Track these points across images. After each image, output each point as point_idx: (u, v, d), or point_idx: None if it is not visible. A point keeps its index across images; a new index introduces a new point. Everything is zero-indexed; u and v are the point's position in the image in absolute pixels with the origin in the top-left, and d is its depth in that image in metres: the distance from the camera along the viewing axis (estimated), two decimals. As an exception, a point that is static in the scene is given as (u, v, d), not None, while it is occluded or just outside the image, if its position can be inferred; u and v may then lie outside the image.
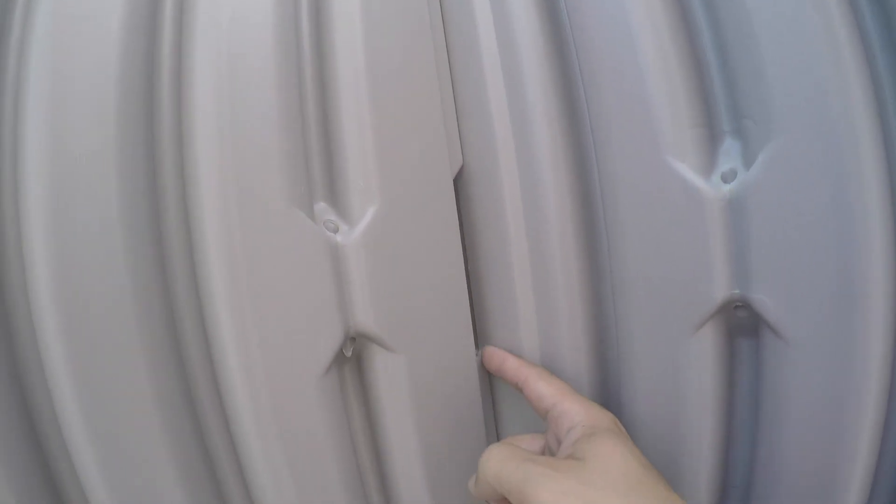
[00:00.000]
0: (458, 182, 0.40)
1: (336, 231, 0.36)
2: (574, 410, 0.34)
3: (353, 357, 0.37)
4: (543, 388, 0.36)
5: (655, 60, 0.34)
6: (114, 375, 0.34)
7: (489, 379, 0.41)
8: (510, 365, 0.38)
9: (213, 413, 0.36)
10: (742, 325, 0.35)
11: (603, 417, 0.34)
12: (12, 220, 0.34)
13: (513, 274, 0.38)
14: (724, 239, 0.34)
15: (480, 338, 0.40)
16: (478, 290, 0.40)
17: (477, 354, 0.40)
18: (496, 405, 0.42)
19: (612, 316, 0.38)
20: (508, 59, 0.38)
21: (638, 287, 0.36)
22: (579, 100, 0.37)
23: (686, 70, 0.34)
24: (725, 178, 0.34)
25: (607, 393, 0.39)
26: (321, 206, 0.36)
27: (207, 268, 0.33)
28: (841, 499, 0.33)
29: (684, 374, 0.36)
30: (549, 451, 0.36)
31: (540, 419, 0.36)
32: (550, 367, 0.39)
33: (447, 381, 0.39)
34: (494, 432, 0.42)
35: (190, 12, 0.34)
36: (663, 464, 0.37)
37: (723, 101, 0.34)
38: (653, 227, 0.35)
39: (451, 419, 0.39)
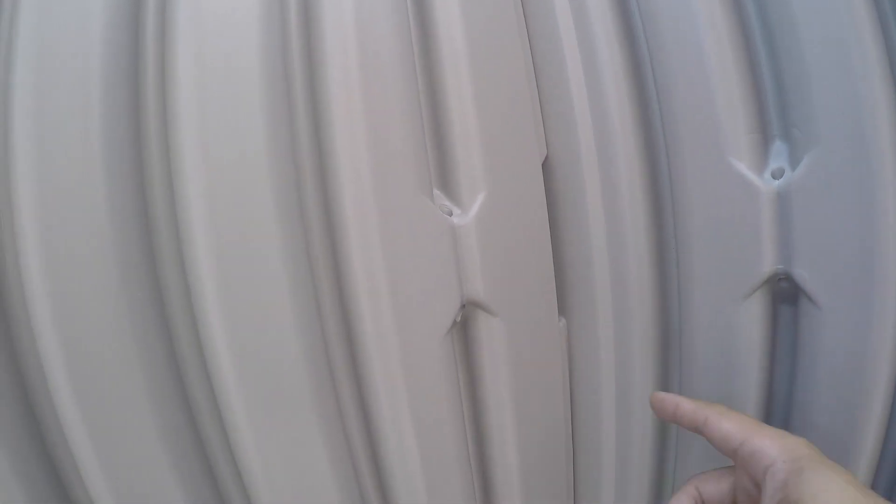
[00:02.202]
0: (543, 171, 0.46)
1: (451, 214, 0.42)
2: (767, 446, 0.33)
3: (459, 322, 0.44)
4: (728, 426, 0.35)
5: (720, 76, 0.42)
6: (268, 338, 0.39)
7: (567, 345, 0.49)
8: (686, 408, 0.37)
9: (347, 369, 0.42)
10: (784, 294, 0.43)
11: (799, 446, 0.33)
12: (171, 220, 0.39)
13: (591, 250, 0.46)
14: (771, 225, 0.42)
15: (560, 308, 0.47)
16: (560, 265, 0.47)
17: (559, 321, 0.47)
18: (572, 370, 0.49)
19: (675, 287, 0.45)
20: (589, 65, 0.45)
21: (700, 261, 0.44)
22: (652, 106, 0.44)
23: (745, 85, 0.42)
24: (774, 175, 0.42)
25: (668, 349, 0.47)
26: (436, 193, 0.43)
27: (348, 247, 0.39)
28: (863, 432, 0.41)
29: (737, 333, 0.43)
30: (742, 492, 0.36)
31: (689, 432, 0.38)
32: (621, 335, 0.46)
33: (535, 341, 0.46)
34: (569, 389, 0.49)
35: (314, 14, 0.39)
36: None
37: (774, 111, 0.42)
38: (714, 214, 0.43)
39: (537, 375, 0.46)
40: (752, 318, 0.43)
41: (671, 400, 0.39)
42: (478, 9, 0.43)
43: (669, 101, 0.43)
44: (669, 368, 0.48)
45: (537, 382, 0.46)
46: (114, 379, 0.39)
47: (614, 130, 0.45)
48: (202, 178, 0.37)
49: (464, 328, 0.45)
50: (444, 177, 0.43)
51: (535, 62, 0.46)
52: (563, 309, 0.48)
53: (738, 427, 0.35)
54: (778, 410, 0.46)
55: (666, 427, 0.49)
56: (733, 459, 0.35)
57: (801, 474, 0.31)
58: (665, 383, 0.48)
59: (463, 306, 0.43)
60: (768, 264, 0.42)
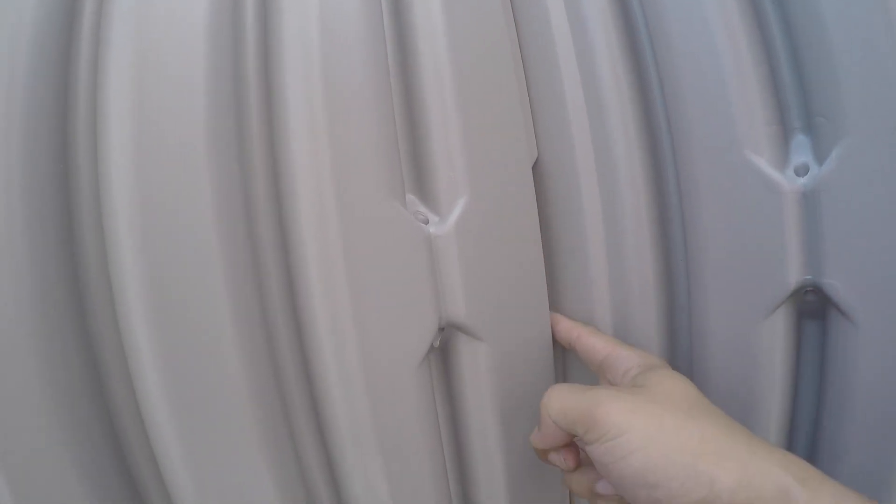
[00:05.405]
0: (534, 174, 0.40)
1: (426, 223, 0.36)
2: (627, 355, 0.36)
3: (437, 347, 0.38)
4: (596, 341, 0.38)
5: (732, 61, 0.36)
6: (205, 365, 0.33)
7: (563, 367, 0.43)
8: (563, 326, 0.40)
9: (305, 406, 0.36)
10: (809, 308, 0.37)
11: (657, 360, 0.36)
12: (95, 219, 0.33)
13: (588, 264, 0.40)
14: (798, 229, 0.36)
15: (554, 327, 0.42)
16: (553, 279, 0.41)
17: (553, 343, 0.41)
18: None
19: (685, 303, 0.40)
20: (583, 55, 0.39)
21: (714, 275, 0.38)
22: (653, 95, 0.39)
23: (761, 71, 0.36)
24: (798, 172, 0.36)
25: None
26: (410, 199, 0.37)
27: (303, 260, 0.33)
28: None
29: (756, 355, 0.38)
30: None
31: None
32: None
33: (526, 368, 0.40)
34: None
35: (275, 13, 0.34)
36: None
37: (794, 99, 0.37)
38: (731, 217, 0.37)
39: (528, 406, 0.40)
40: (774, 339, 0.38)
41: (552, 317, 0.41)
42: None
43: (675, 91, 0.38)
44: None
45: (527, 416, 0.40)
46: (27, 408, 0.33)
47: (613, 127, 0.39)
48: (133, 172, 0.32)
49: (443, 354, 0.38)
50: (418, 179, 0.37)
51: (524, 52, 0.41)
52: (558, 330, 0.42)
53: (605, 342, 0.38)
54: (801, 440, 0.40)
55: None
56: (599, 371, 0.38)
57: (651, 370, 0.34)
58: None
59: (442, 329, 0.37)
60: (795, 275, 0.36)
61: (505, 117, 0.39)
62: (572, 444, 0.34)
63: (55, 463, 0.34)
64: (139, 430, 0.35)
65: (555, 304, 0.42)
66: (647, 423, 0.29)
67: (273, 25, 0.34)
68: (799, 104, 0.37)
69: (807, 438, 0.39)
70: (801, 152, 0.37)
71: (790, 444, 0.40)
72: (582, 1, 0.39)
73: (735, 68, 0.36)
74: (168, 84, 0.32)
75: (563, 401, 0.31)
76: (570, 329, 0.40)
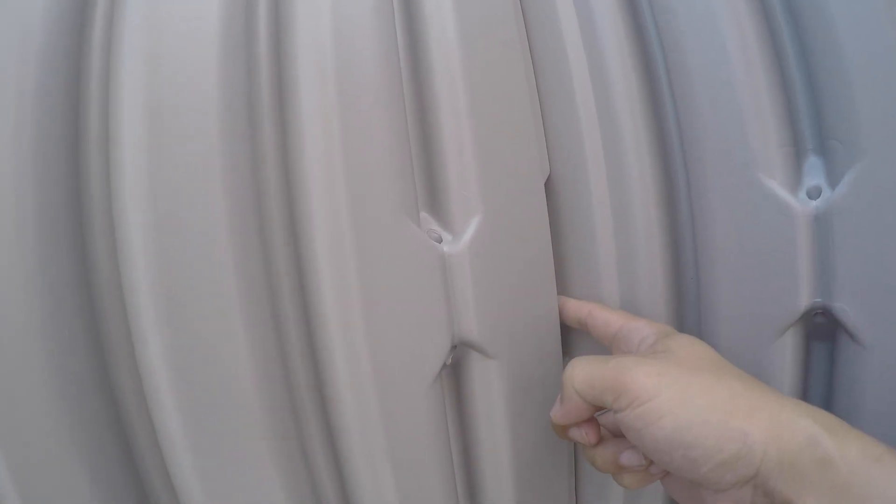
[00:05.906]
0: (545, 190, 0.41)
1: (440, 241, 0.36)
2: (643, 325, 0.36)
3: (450, 364, 0.38)
4: (609, 314, 0.38)
5: (746, 83, 0.36)
6: (218, 383, 0.33)
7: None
8: (571, 305, 0.40)
9: (318, 423, 0.36)
10: (818, 330, 0.38)
11: (670, 328, 0.36)
12: (107, 226, 0.33)
13: (600, 281, 0.40)
14: (809, 251, 0.36)
15: (565, 346, 0.42)
16: (564, 295, 0.41)
17: (564, 361, 0.41)
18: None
19: (695, 323, 0.40)
20: (596, 71, 0.39)
21: (725, 296, 0.38)
22: (667, 117, 0.39)
23: (774, 93, 0.37)
24: (810, 195, 0.36)
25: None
26: (423, 216, 0.37)
27: (317, 279, 0.33)
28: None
29: (765, 377, 0.38)
30: None
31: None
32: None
33: (537, 386, 0.40)
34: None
35: (288, 28, 0.34)
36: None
37: (807, 121, 0.37)
38: (742, 239, 0.37)
39: (539, 425, 0.40)
40: (783, 360, 0.38)
41: (559, 300, 0.41)
42: (473, 10, 0.37)
43: (688, 111, 0.38)
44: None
45: (538, 433, 0.40)
46: (36, 407, 0.33)
47: (625, 146, 0.39)
48: (146, 193, 0.31)
49: (454, 370, 0.39)
50: (432, 198, 0.37)
51: (537, 70, 0.41)
52: (567, 349, 0.42)
53: (618, 314, 0.38)
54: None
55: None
56: (611, 344, 0.37)
57: (669, 336, 0.34)
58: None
59: (454, 347, 0.37)
60: (805, 298, 0.37)
61: (518, 134, 0.39)
62: (592, 419, 0.34)
63: (65, 468, 0.34)
64: (149, 437, 0.35)
65: (564, 326, 0.42)
66: (676, 385, 0.29)
67: (286, 36, 0.34)
68: (812, 126, 0.37)
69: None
70: (814, 175, 0.37)
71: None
72: (596, 22, 0.39)
73: (749, 90, 0.36)
74: (181, 93, 0.32)
75: (588, 372, 0.31)
76: (580, 306, 0.40)
